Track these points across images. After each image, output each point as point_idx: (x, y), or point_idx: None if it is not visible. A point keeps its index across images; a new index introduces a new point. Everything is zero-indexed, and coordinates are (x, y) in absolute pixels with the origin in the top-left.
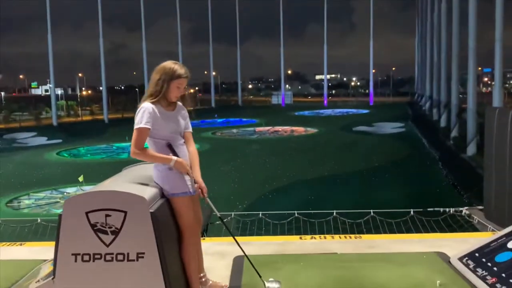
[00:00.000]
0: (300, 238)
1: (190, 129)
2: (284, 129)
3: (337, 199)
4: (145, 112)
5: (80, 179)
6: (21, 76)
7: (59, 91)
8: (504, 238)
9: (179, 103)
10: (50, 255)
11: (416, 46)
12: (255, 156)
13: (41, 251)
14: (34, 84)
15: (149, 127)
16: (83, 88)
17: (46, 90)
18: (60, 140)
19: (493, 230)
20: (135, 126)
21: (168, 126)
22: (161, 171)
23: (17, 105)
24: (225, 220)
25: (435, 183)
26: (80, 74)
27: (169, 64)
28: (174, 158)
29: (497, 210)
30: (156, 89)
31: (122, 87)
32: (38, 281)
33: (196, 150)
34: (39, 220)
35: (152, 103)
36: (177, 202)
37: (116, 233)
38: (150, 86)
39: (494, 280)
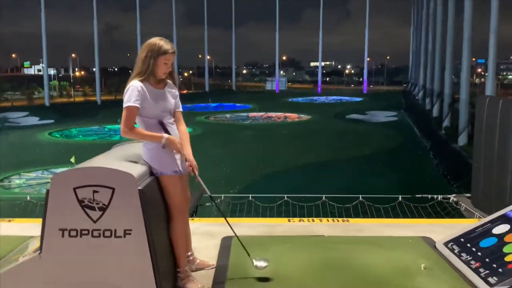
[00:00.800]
0: (289, 220)
1: (181, 109)
2: (277, 115)
3: (328, 186)
4: (133, 91)
5: (72, 160)
6: (13, 55)
7: (52, 71)
8: (489, 224)
9: (169, 81)
10: (39, 232)
11: (411, 35)
12: (248, 141)
13: (29, 227)
14: (26, 63)
15: (138, 105)
16: (76, 69)
17: (39, 70)
18: (52, 121)
19: (479, 217)
20: (124, 105)
21: (158, 105)
22: (150, 150)
23: (9, 85)
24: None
25: (425, 172)
26: (73, 55)
27: (154, 40)
28: (165, 135)
29: (484, 197)
30: (143, 67)
31: (116, 69)
32: (26, 255)
33: (186, 129)
34: (28, 198)
35: (141, 81)
36: (166, 181)
37: (103, 209)
38: (137, 64)
39: (478, 264)
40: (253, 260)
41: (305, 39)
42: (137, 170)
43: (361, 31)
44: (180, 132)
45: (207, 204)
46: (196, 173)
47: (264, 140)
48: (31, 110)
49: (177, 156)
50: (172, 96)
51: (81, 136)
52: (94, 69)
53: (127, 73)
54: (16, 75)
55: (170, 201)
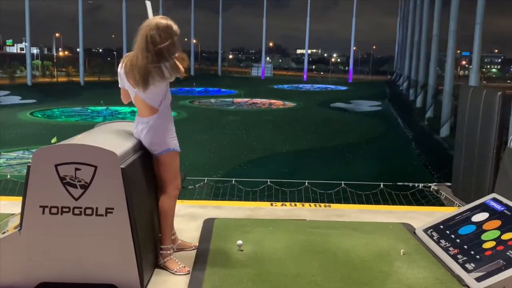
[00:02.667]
0: (271, 204)
1: None
2: (262, 102)
3: (311, 173)
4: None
5: (53, 140)
6: None
7: (35, 50)
8: (469, 212)
9: None
10: (19, 210)
11: (398, 26)
12: (232, 127)
13: (9, 205)
14: (9, 41)
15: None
16: (60, 49)
17: (22, 49)
18: (34, 100)
19: (459, 206)
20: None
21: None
22: (154, 126)
23: None
24: (198, 185)
25: (407, 162)
26: (57, 34)
27: (164, 20)
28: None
29: (464, 187)
30: (165, 48)
31: (100, 50)
32: (5, 232)
33: None
34: (8, 176)
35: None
36: (169, 157)
37: (85, 187)
38: (156, 48)
39: (456, 251)
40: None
41: (292, 26)
42: (120, 148)
43: (348, 20)
44: None
45: (189, 187)
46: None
47: (249, 126)
48: (12, 89)
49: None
50: None
51: (63, 117)
52: (78, 49)
53: (111, 54)
54: None
55: (168, 177)
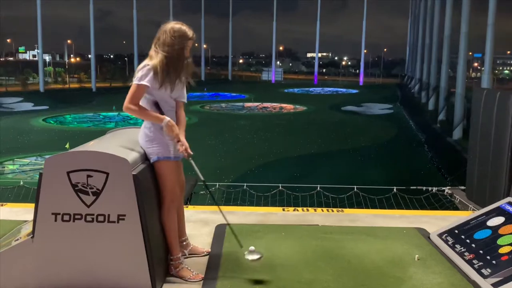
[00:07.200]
0: (283, 209)
1: (185, 100)
2: (273, 106)
3: (323, 177)
4: (149, 71)
5: (67, 146)
6: (8, 40)
7: (47, 57)
8: (484, 216)
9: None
10: (32, 217)
11: (408, 28)
12: (243, 132)
13: (23, 212)
14: (21, 48)
15: (148, 85)
16: (72, 55)
17: (34, 56)
18: (46, 107)
19: (473, 210)
20: (135, 81)
21: (172, 90)
22: (148, 134)
23: (3, 70)
24: (209, 190)
25: (419, 165)
26: (69, 41)
27: (177, 25)
28: (167, 118)
29: (478, 190)
30: (170, 50)
31: (111, 56)
32: (18, 239)
33: (185, 117)
34: (21, 183)
35: (166, 64)
36: (161, 166)
37: (97, 194)
38: (162, 48)
39: (471, 256)
40: (245, 253)
41: (302, 29)
42: (131, 155)
43: (358, 23)
44: (179, 118)
45: (201, 192)
46: (190, 154)
47: (259, 131)
48: (25, 95)
49: (171, 142)
50: (183, 84)
51: (75, 123)
52: (89, 56)
53: (123, 60)
54: (10, 60)
55: (164, 187)
